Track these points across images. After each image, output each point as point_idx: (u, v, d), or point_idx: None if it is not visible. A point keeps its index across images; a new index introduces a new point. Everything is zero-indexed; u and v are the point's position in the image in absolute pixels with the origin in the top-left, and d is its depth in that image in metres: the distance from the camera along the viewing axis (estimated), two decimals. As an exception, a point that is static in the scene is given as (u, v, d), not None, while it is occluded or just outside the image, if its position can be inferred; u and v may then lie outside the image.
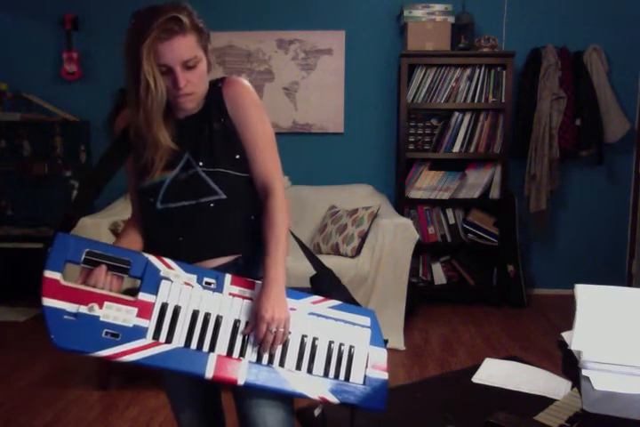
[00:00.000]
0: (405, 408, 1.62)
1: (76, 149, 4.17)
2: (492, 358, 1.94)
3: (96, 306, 1.17)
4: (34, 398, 2.68)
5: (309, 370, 1.28)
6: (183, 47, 1.24)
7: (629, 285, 4.18)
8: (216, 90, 1.36)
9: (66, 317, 1.15)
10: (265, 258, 1.30)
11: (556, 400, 1.57)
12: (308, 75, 4.18)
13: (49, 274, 1.17)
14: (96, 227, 3.17)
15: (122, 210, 3.54)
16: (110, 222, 3.39)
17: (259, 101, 1.37)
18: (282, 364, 1.26)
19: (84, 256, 1.21)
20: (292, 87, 4.19)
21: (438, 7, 3.88)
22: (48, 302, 1.15)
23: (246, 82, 1.38)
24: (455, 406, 1.62)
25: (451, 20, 3.88)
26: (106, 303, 1.19)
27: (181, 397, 1.51)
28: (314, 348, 1.31)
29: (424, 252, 4.05)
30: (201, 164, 1.33)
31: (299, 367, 1.28)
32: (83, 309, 1.16)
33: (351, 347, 1.35)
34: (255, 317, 1.25)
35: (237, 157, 1.36)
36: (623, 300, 1.10)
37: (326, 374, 1.30)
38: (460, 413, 1.55)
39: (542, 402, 1.54)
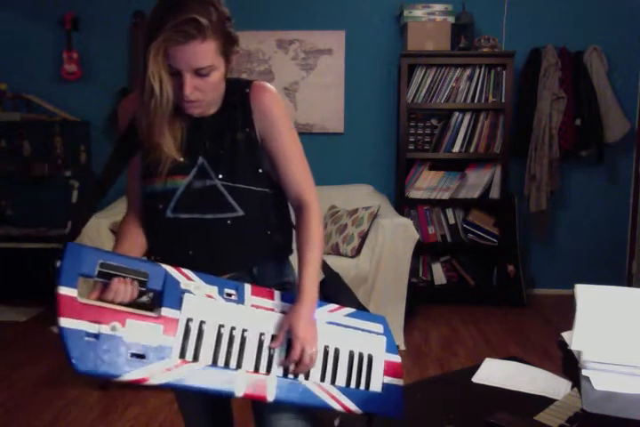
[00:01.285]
0: (405, 408, 1.61)
1: (76, 149, 4.16)
2: (492, 358, 1.94)
3: (118, 325, 1.06)
4: (34, 398, 2.68)
5: (333, 381, 1.26)
6: (199, 54, 1.12)
7: (629, 285, 4.18)
8: (243, 95, 1.26)
9: (87, 338, 1.03)
10: (301, 274, 1.25)
11: (556, 400, 1.56)
12: (308, 75, 4.18)
13: (64, 291, 1.04)
14: (96, 227, 3.17)
15: (122, 210, 3.51)
16: (110, 222, 3.39)
17: (287, 111, 1.30)
18: (307, 376, 1.23)
19: (97, 269, 1.10)
20: (292, 87, 4.19)
21: (438, 7, 3.88)
22: (66, 322, 1.02)
23: (274, 89, 1.29)
24: (455, 406, 1.61)
25: (451, 19, 3.88)
26: (128, 321, 1.08)
27: (194, 412, 1.46)
28: (336, 359, 1.28)
29: (424, 252, 4.05)
30: (220, 176, 1.25)
31: (323, 379, 1.25)
32: (104, 328, 1.05)
33: (370, 356, 1.34)
34: (289, 334, 1.20)
35: (260, 171, 1.28)
36: (623, 300, 1.10)
37: (348, 384, 1.28)
38: (460, 413, 1.55)
39: (542, 402, 1.54)
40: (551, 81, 3.91)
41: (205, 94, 1.19)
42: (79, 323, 1.04)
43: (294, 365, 1.20)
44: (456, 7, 3.96)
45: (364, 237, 3.42)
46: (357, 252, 3.40)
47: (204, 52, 1.12)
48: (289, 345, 1.22)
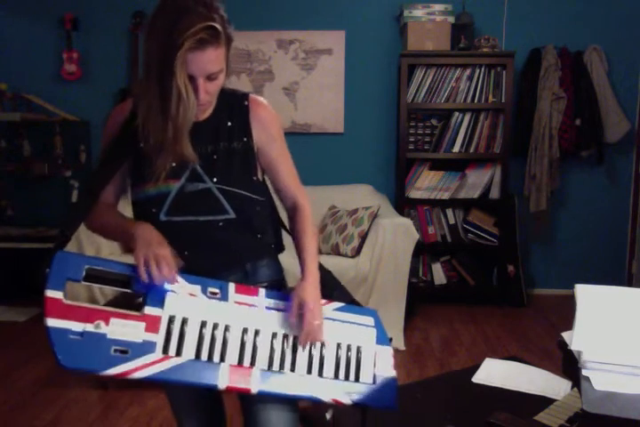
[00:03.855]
0: (405, 408, 1.62)
1: (76, 149, 4.17)
2: (492, 358, 1.94)
3: (102, 323, 1.14)
4: (34, 398, 2.68)
5: (320, 373, 1.29)
6: (213, 60, 1.18)
7: (629, 285, 4.18)
8: (242, 107, 1.35)
9: (72, 336, 1.11)
10: (302, 255, 1.36)
11: (556, 400, 1.57)
12: (308, 75, 4.18)
13: (50, 293, 1.13)
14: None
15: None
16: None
17: (281, 122, 1.41)
18: (293, 369, 1.27)
19: (84, 273, 1.18)
20: (292, 87, 4.19)
21: (438, 7, 3.88)
22: (52, 322, 1.10)
23: (267, 103, 1.40)
24: (455, 406, 1.62)
25: (451, 20, 3.88)
26: (112, 320, 1.15)
27: (185, 406, 1.49)
28: (322, 351, 1.32)
29: (424, 252, 4.05)
30: (215, 180, 1.31)
31: (309, 371, 1.28)
32: (89, 327, 1.12)
33: (359, 347, 1.36)
34: (300, 305, 1.28)
35: (254, 178, 1.36)
36: (623, 300, 1.10)
37: (336, 376, 1.30)
38: (460, 413, 1.55)
39: (542, 402, 1.54)
40: (551, 81, 3.91)
41: (212, 96, 1.27)
42: (65, 322, 1.11)
43: (304, 336, 1.28)
44: (456, 7, 3.96)
45: (364, 237, 3.42)
46: (357, 252, 3.40)
47: (217, 57, 1.19)
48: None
